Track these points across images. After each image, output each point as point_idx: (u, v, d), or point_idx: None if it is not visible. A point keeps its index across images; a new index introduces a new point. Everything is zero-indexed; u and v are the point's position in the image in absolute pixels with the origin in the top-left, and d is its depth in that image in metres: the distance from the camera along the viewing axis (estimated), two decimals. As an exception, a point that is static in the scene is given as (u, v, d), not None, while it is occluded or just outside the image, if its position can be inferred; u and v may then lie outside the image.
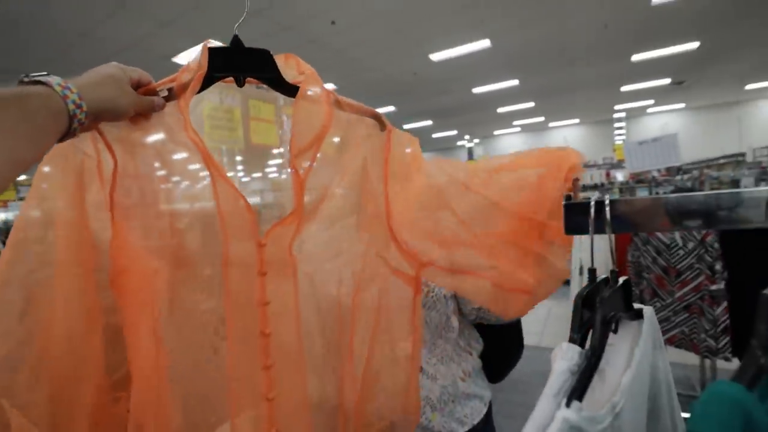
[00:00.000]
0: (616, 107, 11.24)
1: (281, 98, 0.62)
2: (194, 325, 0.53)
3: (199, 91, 0.53)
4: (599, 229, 0.46)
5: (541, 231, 0.63)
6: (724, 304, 1.66)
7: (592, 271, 0.46)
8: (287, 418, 0.53)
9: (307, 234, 0.59)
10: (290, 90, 0.60)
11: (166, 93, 0.52)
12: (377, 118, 0.67)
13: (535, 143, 14.64)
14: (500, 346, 1.01)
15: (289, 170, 0.58)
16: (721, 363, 1.84)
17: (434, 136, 13.65)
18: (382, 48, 5.72)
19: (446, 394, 0.86)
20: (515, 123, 13.09)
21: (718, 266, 1.68)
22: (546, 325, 3.76)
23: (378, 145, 0.66)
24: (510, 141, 15.23)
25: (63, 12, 3.91)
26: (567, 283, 4.18)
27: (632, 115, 12.41)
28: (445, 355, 0.89)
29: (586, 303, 0.42)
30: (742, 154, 6.82)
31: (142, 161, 0.52)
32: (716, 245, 1.70)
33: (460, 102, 9.20)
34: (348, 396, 0.59)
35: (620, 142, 9.63)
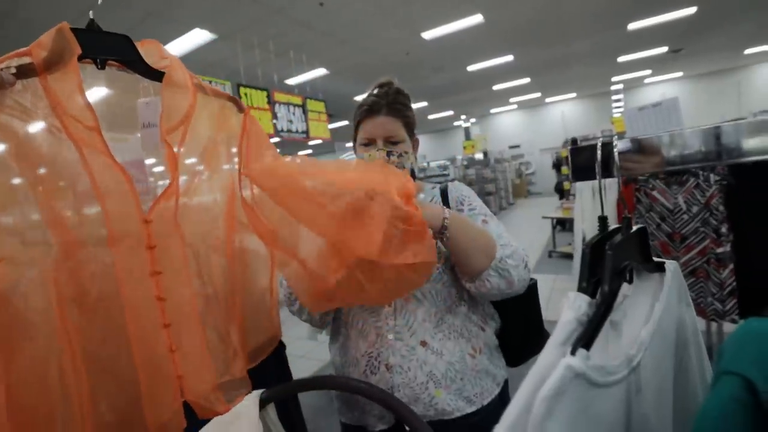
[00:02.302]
0: (614, 79, 11.07)
1: (143, 81, 0.66)
2: (95, 301, 0.56)
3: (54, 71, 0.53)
4: (607, 173, 0.42)
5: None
6: (731, 266, 1.63)
7: (603, 219, 0.42)
8: (190, 363, 0.61)
9: (188, 205, 0.66)
10: (151, 73, 0.65)
11: (13, 70, 0.50)
12: (234, 101, 0.76)
13: (532, 120, 14.48)
14: (517, 327, 0.95)
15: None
16: (728, 326, 1.83)
17: (430, 117, 13.49)
18: (373, 28, 5.59)
19: (452, 371, 0.82)
20: (512, 100, 12.92)
21: (723, 229, 1.65)
22: (550, 300, 3.77)
23: (236, 125, 0.74)
24: (507, 119, 15.07)
25: (40, 6, 3.81)
26: (570, 257, 4.16)
27: (630, 86, 12.23)
28: (453, 330, 0.84)
29: (595, 252, 0.39)
30: (743, 120, 6.74)
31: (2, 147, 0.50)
32: (721, 208, 1.66)
33: (454, 81, 9.06)
34: (234, 331, 0.68)
35: (618, 115, 9.51)
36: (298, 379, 0.78)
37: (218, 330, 0.68)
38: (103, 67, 0.60)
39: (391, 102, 0.89)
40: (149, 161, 0.75)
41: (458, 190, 0.95)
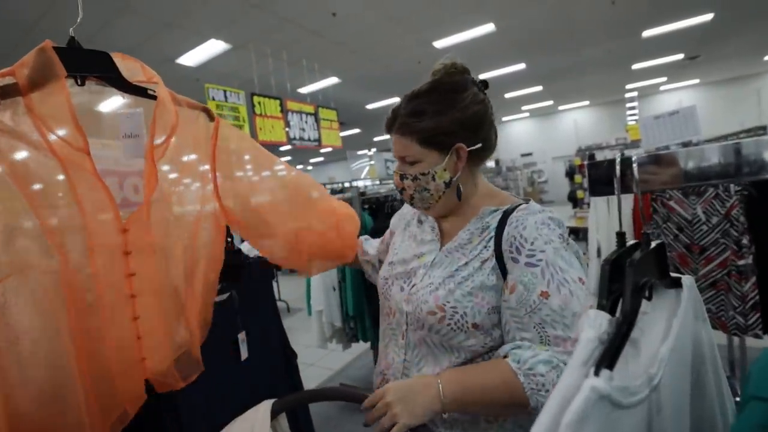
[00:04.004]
0: (628, 86, 10.95)
1: (120, 96, 0.68)
2: (78, 298, 0.60)
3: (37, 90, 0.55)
4: (625, 187, 0.42)
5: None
6: (753, 279, 1.58)
7: (621, 235, 0.42)
8: (152, 348, 0.70)
9: (166, 213, 0.72)
10: (131, 88, 0.68)
11: None
12: (206, 111, 0.81)
13: (544, 128, 14.38)
14: None
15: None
16: (750, 341, 1.77)
17: (441, 126, 13.48)
18: (385, 38, 5.65)
19: (459, 427, 0.70)
20: (524, 108, 12.87)
21: (745, 240, 1.60)
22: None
23: (207, 132, 0.80)
24: (519, 127, 14.99)
25: (61, 17, 3.95)
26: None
27: (644, 93, 12.08)
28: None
29: (614, 268, 0.38)
30: (763, 128, 6.55)
31: None
32: (742, 219, 1.62)
33: (466, 89, 9.05)
34: (193, 321, 0.76)
35: (633, 123, 9.36)
36: (309, 390, 0.78)
37: (179, 319, 0.76)
38: (82, 84, 0.63)
39: (403, 115, 0.74)
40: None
41: (519, 225, 0.68)
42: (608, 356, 0.30)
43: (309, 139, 5.95)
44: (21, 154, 0.54)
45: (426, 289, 0.72)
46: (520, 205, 0.73)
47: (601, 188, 0.41)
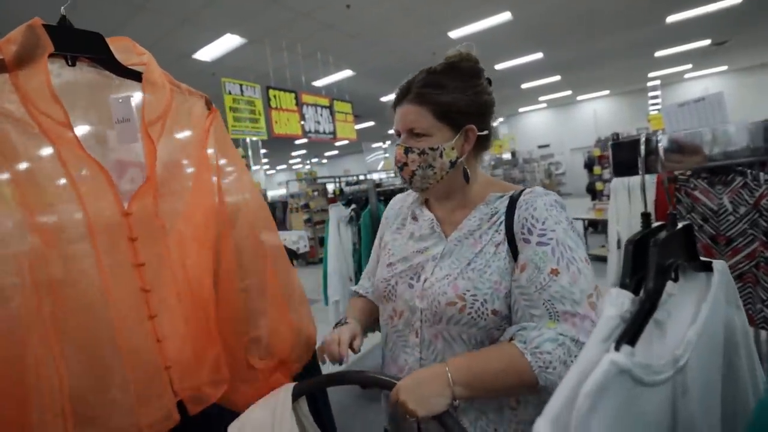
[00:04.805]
0: (650, 74, 10.60)
1: (115, 78, 0.66)
2: (77, 294, 0.54)
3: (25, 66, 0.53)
4: (651, 169, 0.41)
5: None
6: (783, 270, 1.53)
7: (646, 216, 0.41)
8: (178, 354, 0.62)
9: (169, 198, 0.66)
10: (123, 70, 0.65)
11: None
12: (206, 100, 0.78)
13: (562, 119, 14.07)
14: None
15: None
16: (778, 335, 1.71)
17: (456, 118, 13.33)
18: (399, 29, 5.60)
19: (485, 420, 0.70)
20: (541, 99, 12.61)
21: (774, 231, 1.54)
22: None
23: (203, 122, 0.76)
24: (536, 118, 14.70)
25: (82, 15, 4.04)
26: (603, 259, 4.01)
27: (668, 82, 11.67)
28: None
29: (639, 248, 0.37)
30: (795, 116, 6.27)
31: None
32: (772, 208, 1.56)
33: (481, 80, 8.92)
34: (212, 316, 0.67)
35: (655, 112, 9.07)
36: (328, 374, 0.79)
37: (205, 322, 0.68)
38: (73, 64, 0.61)
39: (420, 85, 0.73)
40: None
41: (529, 207, 0.70)
42: (630, 333, 0.30)
43: (324, 132, 5.97)
44: (7, 131, 0.51)
45: (443, 281, 0.72)
46: (524, 189, 0.75)
47: (624, 169, 0.41)
